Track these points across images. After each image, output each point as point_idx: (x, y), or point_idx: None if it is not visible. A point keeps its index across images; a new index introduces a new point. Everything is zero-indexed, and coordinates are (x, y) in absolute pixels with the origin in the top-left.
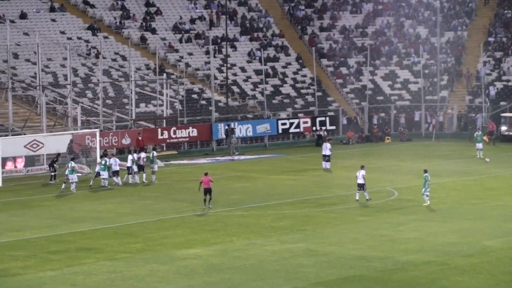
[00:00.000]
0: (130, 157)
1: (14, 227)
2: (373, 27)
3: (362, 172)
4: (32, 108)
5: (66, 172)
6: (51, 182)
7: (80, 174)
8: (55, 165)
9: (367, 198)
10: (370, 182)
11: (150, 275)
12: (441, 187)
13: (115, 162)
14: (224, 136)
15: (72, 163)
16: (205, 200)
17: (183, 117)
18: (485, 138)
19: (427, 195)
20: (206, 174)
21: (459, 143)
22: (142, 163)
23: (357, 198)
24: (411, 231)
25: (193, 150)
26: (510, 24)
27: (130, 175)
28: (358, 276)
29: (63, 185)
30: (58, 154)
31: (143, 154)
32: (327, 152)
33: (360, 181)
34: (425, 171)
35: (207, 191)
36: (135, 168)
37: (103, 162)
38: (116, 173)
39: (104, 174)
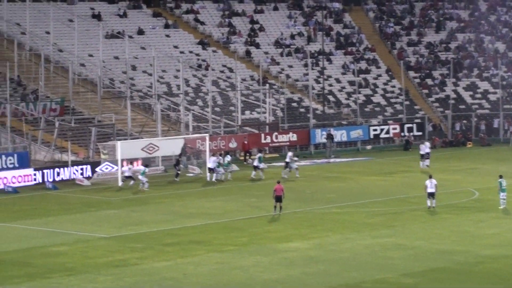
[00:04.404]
0: (213, 158)
1: (133, 221)
2: (456, 43)
3: (434, 181)
4: (148, 115)
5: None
6: (176, 179)
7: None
8: (180, 165)
9: (434, 205)
10: (453, 183)
11: (254, 265)
12: None
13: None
14: (323, 140)
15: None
16: (275, 206)
17: (284, 123)
18: None
19: (503, 199)
20: (279, 182)
21: None
22: (255, 163)
23: (429, 204)
24: (491, 228)
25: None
26: None
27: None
28: (442, 268)
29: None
30: (180, 155)
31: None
32: (427, 150)
33: (432, 190)
34: (500, 177)
35: (278, 198)
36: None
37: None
38: (212, 170)
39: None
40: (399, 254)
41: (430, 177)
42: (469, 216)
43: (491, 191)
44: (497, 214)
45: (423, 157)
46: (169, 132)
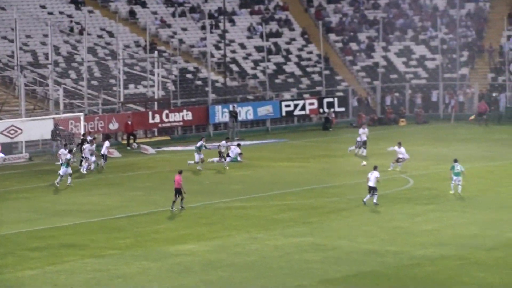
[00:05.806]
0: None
1: None
2: None
3: (376, 174)
4: (9, 91)
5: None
6: (83, 171)
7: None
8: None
9: (375, 202)
10: (382, 169)
11: (140, 273)
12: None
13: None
14: (225, 119)
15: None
16: (174, 201)
17: (177, 99)
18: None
19: (458, 184)
20: (180, 172)
21: (480, 126)
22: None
23: (364, 200)
24: (429, 223)
25: (187, 135)
26: None
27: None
28: (370, 272)
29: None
30: (83, 136)
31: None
32: (363, 138)
33: (372, 184)
34: (455, 161)
35: (177, 191)
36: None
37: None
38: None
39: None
40: (317, 256)
41: (375, 168)
42: (403, 209)
43: (429, 178)
44: (436, 207)
45: (358, 143)
46: (35, 111)
